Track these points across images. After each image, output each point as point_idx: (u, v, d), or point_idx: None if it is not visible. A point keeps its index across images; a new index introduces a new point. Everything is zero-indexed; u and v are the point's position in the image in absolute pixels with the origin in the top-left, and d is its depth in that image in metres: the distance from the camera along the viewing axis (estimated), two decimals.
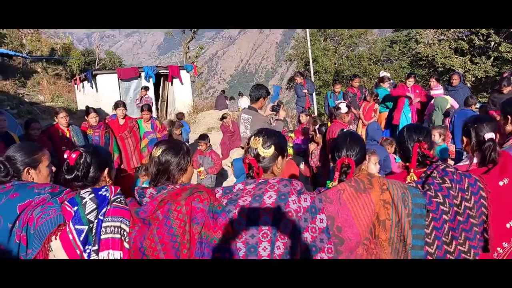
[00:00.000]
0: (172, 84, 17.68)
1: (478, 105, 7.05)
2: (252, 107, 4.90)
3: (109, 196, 1.93)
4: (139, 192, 1.98)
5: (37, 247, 1.83)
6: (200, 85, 31.87)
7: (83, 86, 18.25)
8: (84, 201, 1.89)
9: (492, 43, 18.99)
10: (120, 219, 1.89)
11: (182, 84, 17.68)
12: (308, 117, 9.38)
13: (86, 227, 1.84)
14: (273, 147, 2.04)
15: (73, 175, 1.97)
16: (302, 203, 1.89)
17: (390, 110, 8.53)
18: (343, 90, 9.57)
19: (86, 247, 1.84)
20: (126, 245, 1.88)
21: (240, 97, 17.32)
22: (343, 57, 24.84)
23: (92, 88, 16.74)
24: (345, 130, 4.52)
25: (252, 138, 2.08)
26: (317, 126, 5.46)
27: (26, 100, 18.10)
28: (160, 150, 2.05)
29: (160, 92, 17.95)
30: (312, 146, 5.67)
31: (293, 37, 30.85)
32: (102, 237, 1.85)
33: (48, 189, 1.99)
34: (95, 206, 1.88)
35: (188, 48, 29.06)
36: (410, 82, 8.10)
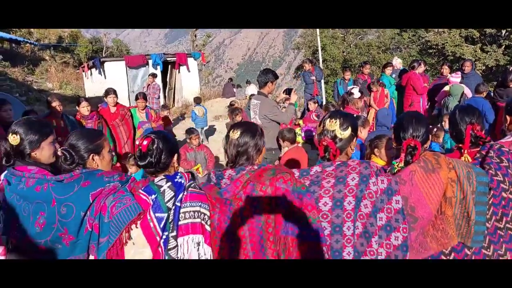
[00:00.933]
0: (179, 72, 17.64)
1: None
2: (261, 92, 4.88)
3: (185, 183, 1.93)
4: (217, 174, 2.06)
5: (115, 235, 1.83)
6: (207, 73, 31.79)
7: (91, 74, 18.27)
8: (162, 189, 1.89)
9: (504, 31, 18.67)
10: (199, 204, 1.90)
11: (189, 72, 17.64)
12: (316, 104, 9.33)
13: (166, 215, 1.85)
14: (350, 128, 2.08)
15: (147, 161, 1.95)
16: (379, 184, 1.96)
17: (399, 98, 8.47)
18: (352, 77, 9.48)
19: (164, 233, 1.85)
20: (208, 228, 1.90)
21: (248, 85, 17.26)
22: (351, 45, 24.58)
23: (100, 75, 16.76)
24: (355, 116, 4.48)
25: (328, 120, 2.09)
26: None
27: (35, 87, 18.19)
28: (238, 133, 2.10)
29: (168, 79, 17.92)
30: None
31: None
32: (180, 223, 1.87)
33: (116, 177, 2.01)
34: (173, 194, 1.88)
35: (195, 36, 28.92)
36: (420, 68, 8.00)
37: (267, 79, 4.79)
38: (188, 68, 17.53)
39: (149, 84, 12.15)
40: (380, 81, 8.33)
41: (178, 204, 1.88)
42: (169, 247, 1.86)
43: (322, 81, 11.19)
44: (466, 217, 2.06)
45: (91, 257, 1.94)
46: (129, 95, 16.63)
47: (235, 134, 2.10)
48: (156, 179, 1.95)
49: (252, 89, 14.91)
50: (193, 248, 1.85)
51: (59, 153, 2.10)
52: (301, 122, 8.93)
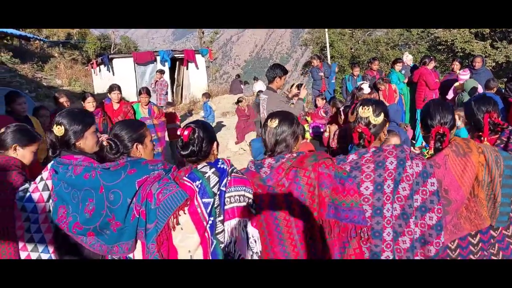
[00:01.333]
0: (187, 69, 17.67)
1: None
2: (270, 87, 4.87)
3: (227, 168, 1.98)
4: (256, 163, 2.14)
5: (163, 221, 1.88)
6: (214, 70, 31.80)
7: (99, 70, 18.38)
8: (207, 175, 1.93)
9: None
10: (243, 188, 1.97)
11: (197, 68, 17.67)
12: (324, 100, 9.28)
13: (212, 200, 1.90)
14: (382, 114, 2.17)
15: (189, 150, 2.00)
16: (414, 168, 2.03)
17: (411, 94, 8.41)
18: (361, 74, 9.43)
19: (209, 218, 1.90)
20: (253, 211, 1.99)
21: (255, 81, 17.22)
22: (359, 41, 24.43)
23: (109, 72, 16.85)
24: None
25: (360, 108, 2.18)
26: (342, 107, 5.39)
27: (44, 84, 18.33)
28: (276, 121, 2.17)
29: (176, 76, 17.96)
30: (332, 128, 5.60)
31: None
32: (226, 207, 1.93)
33: (160, 166, 2.05)
34: (217, 179, 1.93)
35: (203, 33, 28.93)
36: (431, 64, 7.94)
37: (275, 74, 4.78)
38: (196, 65, 17.56)
39: (156, 81, 12.20)
40: (386, 78, 8.27)
41: (223, 189, 1.94)
42: (216, 231, 1.92)
43: (329, 78, 11.14)
44: (492, 199, 2.15)
45: (139, 243, 2.00)
46: (137, 92, 16.69)
47: (273, 123, 2.17)
48: (199, 166, 2.00)
49: (260, 85, 14.89)
50: (241, 230, 1.93)
51: (104, 143, 2.16)
52: (309, 118, 8.91)
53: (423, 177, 2.04)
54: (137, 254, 2.03)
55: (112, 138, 2.17)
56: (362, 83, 4.90)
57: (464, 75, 7.55)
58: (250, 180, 2.03)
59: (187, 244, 1.91)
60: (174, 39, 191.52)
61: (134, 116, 6.47)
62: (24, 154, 2.43)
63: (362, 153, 2.11)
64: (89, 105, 5.81)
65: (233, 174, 2.00)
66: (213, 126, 11.39)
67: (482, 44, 18.81)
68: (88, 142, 2.23)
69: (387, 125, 2.23)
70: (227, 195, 1.94)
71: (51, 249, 2.20)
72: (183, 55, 17.28)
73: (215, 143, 2.11)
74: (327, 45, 15.41)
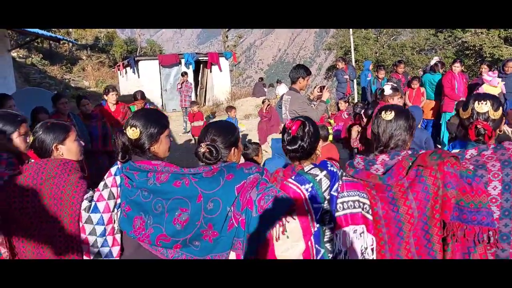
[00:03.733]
0: (211, 71, 17.85)
1: None
2: (293, 88, 4.85)
3: (337, 171, 1.87)
4: (366, 160, 1.99)
5: (267, 229, 1.75)
6: (237, 74, 32.00)
7: (125, 72, 18.75)
8: (318, 178, 1.80)
9: None
10: (357, 193, 1.83)
11: (221, 71, 17.83)
12: (347, 104, 9.24)
13: (322, 205, 1.78)
14: (500, 108, 2.07)
15: (297, 145, 1.88)
16: None
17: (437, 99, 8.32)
18: (386, 77, 9.34)
19: (316, 225, 1.78)
20: (370, 217, 1.84)
21: (278, 84, 17.26)
22: (384, 46, 24.16)
23: (134, 73, 17.17)
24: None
25: (476, 103, 2.08)
26: (362, 110, 5.39)
27: (72, 85, 18.83)
28: (392, 114, 2.03)
29: (199, 79, 18.16)
30: (354, 129, 5.59)
31: None
32: (338, 213, 1.80)
33: (254, 169, 1.90)
34: (329, 183, 1.80)
35: (227, 37, 29.18)
36: (456, 67, 7.80)
37: (298, 74, 4.76)
38: (219, 68, 17.72)
39: (183, 82, 12.37)
40: (420, 79, 8.30)
41: (334, 193, 1.81)
42: (325, 239, 1.80)
43: (355, 80, 11.07)
44: None
45: (232, 255, 1.82)
46: (161, 94, 16.97)
47: (388, 116, 2.03)
48: (306, 168, 1.87)
49: (283, 88, 14.91)
50: (356, 239, 1.78)
51: (203, 149, 1.92)
52: (332, 121, 8.87)
53: None
54: None
55: (211, 144, 1.95)
56: (385, 85, 4.86)
57: (489, 76, 7.38)
58: (364, 180, 1.89)
59: (292, 253, 1.76)
60: (198, 43, 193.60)
61: None
62: (69, 148, 2.19)
63: (482, 150, 1.98)
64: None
65: (344, 177, 1.87)
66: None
67: None
68: (162, 147, 2.04)
69: (503, 121, 2.14)
70: (339, 200, 1.81)
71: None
72: (207, 58, 17.47)
73: (320, 141, 1.98)
74: (352, 49, 15.29)
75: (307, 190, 1.78)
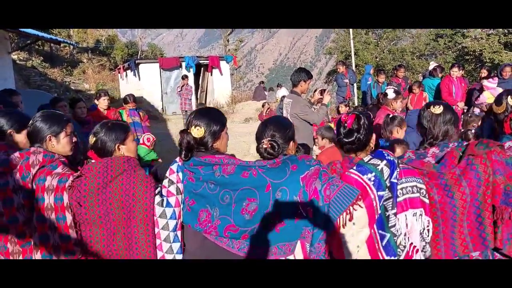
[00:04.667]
0: (211, 75, 17.86)
1: None
2: (294, 91, 4.85)
3: (395, 160, 1.95)
4: (417, 153, 2.13)
5: (334, 218, 1.82)
6: (238, 78, 32.05)
7: (126, 75, 18.76)
8: (379, 167, 1.88)
9: None
10: (414, 179, 1.96)
11: (221, 74, 17.83)
12: (348, 108, 9.23)
13: (385, 192, 1.87)
14: None
15: (354, 137, 1.97)
16: None
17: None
18: (386, 81, 9.35)
19: (379, 211, 1.87)
20: (426, 201, 1.96)
21: (279, 88, 17.26)
22: (385, 50, 24.21)
23: (135, 76, 17.18)
24: (390, 116, 4.40)
25: (509, 98, 2.30)
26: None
27: (72, 87, 18.83)
28: (441, 108, 2.18)
29: (200, 82, 18.18)
30: None
31: (333, 31, 30.35)
32: (399, 199, 1.92)
33: (314, 161, 1.95)
34: (389, 171, 1.89)
35: (228, 41, 29.26)
36: (454, 72, 7.80)
37: (300, 77, 4.76)
38: (220, 71, 17.73)
39: (183, 85, 12.37)
40: (421, 83, 8.29)
41: (394, 181, 1.91)
42: (390, 224, 1.89)
43: (355, 84, 11.08)
44: None
45: (298, 245, 1.85)
46: (162, 97, 16.97)
47: (438, 109, 2.17)
48: (365, 159, 1.95)
49: (283, 92, 14.90)
50: (415, 221, 1.91)
51: (265, 145, 1.98)
52: (332, 124, 8.85)
53: None
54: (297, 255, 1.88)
55: (272, 139, 2.00)
56: (388, 88, 4.84)
57: (491, 83, 7.37)
58: (418, 169, 2.02)
59: (357, 239, 1.86)
60: (199, 46, 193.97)
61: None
62: (129, 148, 2.22)
63: None
64: (104, 102, 5.85)
65: (401, 165, 1.98)
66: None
67: None
68: (223, 142, 2.11)
69: None
70: (399, 186, 1.93)
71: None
72: (207, 61, 17.49)
73: (374, 135, 2.07)
74: (352, 53, 15.32)
75: (369, 179, 1.86)
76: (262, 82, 20.10)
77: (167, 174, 2.07)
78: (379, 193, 1.85)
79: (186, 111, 12.19)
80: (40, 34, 10.36)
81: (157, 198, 2.01)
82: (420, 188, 1.96)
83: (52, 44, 22.41)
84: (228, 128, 2.21)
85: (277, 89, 17.59)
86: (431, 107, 2.20)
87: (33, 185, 2.07)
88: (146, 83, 16.72)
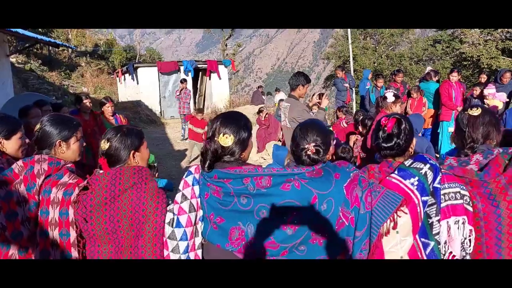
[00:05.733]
0: (210, 79, 17.88)
1: None
2: (292, 95, 4.84)
3: (437, 164, 1.88)
4: (460, 160, 2.00)
5: (378, 226, 1.74)
6: (236, 82, 32.08)
7: (124, 79, 18.77)
8: (423, 171, 1.80)
9: None
10: (457, 185, 1.87)
11: (220, 79, 17.86)
12: (347, 114, 9.23)
13: (428, 198, 1.80)
14: None
15: (393, 142, 1.89)
16: None
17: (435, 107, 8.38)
18: (385, 86, 9.37)
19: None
20: (470, 209, 1.86)
21: (277, 92, 17.28)
22: (382, 56, 24.28)
23: (133, 80, 17.18)
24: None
25: None
26: (360, 118, 5.39)
27: (70, 91, 18.79)
28: (479, 110, 2.06)
29: (198, 86, 18.18)
30: (352, 137, 5.59)
31: (331, 36, 30.47)
32: (441, 205, 1.83)
33: (351, 167, 1.87)
34: (433, 176, 1.81)
35: (226, 45, 29.31)
36: (454, 77, 7.83)
37: (298, 81, 4.75)
38: (218, 75, 17.76)
39: (182, 89, 12.37)
40: (421, 89, 8.33)
41: (438, 186, 1.82)
42: (434, 232, 1.81)
43: (353, 89, 11.11)
44: None
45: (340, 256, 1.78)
46: (160, 100, 16.97)
47: (475, 112, 2.06)
48: (406, 163, 1.87)
49: (281, 96, 14.93)
50: (457, 229, 1.81)
51: (310, 151, 1.85)
52: (330, 129, 8.86)
53: None
54: None
55: (317, 144, 1.87)
56: (387, 92, 4.84)
57: (491, 89, 7.44)
58: (459, 176, 1.92)
59: (401, 249, 1.77)
60: (197, 51, 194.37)
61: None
62: (143, 156, 2.05)
63: None
64: (108, 109, 5.72)
65: (443, 170, 1.89)
66: None
67: (509, 61, 18.45)
68: (248, 151, 1.95)
69: None
70: (442, 192, 1.83)
71: None
72: (206, 65, 17.51)
73: (415, 140, 1.98)
74: (351, 58, 15.35)
75: (412, 184, 1.78)
76: (260, 86, 20.10)
77: (180, 187, 1.88)
78: (423, 198, 1.77)
79: (184, 114, 12.18)
80: (39, 37, 10.36)
81: (169, 216, 1.84)
82: (464, 195, 1.87)
83: (50, 48, 22.44)
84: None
85: (275, 93, 17.62)
86: (469, 109, 2.10)
87: (39, 197, 1.94)
88: (144, 87, 16.73)
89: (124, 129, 2.02)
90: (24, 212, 1.92)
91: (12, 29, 8.13)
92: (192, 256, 1.84)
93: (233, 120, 1.90)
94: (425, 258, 1.79)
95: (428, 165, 1.81)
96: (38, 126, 2.12)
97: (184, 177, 1.91)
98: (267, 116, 10.37)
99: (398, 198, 1.74)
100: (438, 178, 1.83)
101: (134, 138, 2.00)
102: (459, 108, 7.84)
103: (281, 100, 8.96)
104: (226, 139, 1.83)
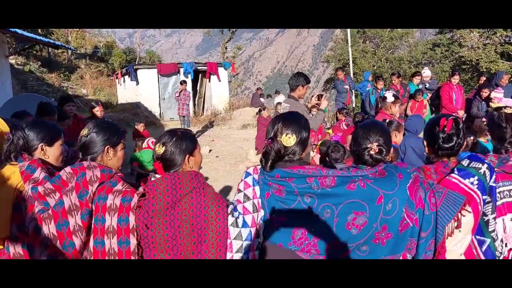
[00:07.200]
0: (209, 81, 17.88)
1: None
2: (292, 96, 4.83)
3: (491, 163, 1.93)
4: (500, 158, 2.06)
5: (443, 226, 1.76)
6: (236, 85, 32.12)
7: (124, 81, 18.76)
8: (481, 171, 1.83)
9: None
10: (510, 183, 1.95)
11: (219, 81, 17.86)
12: (347, 116, 9.24)
13: (486, 197, 1.84)
14: None
15: (454, 142, 1.95)
16: None
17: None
18: (385, 88, 9.40)
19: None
20: None
21: (277, 95, 17.28)
22: (382, 59, 24.33)
23: (133, 82, 17.17)
24: (387, 121, 4.38)
25: None
26: (360, 119, 5.40)
27: (70, 92, 18.79)
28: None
29: (198, 88, 18.18)
30: (349, 138, 5.59)
31: (331, 39, 30.53)
32: (497, 203, 1.89)
33: (411, 167, 1.87)
34: (490, 175, 1.85)
35: (226, 48, 29.35)
36: (455, 79, 7.84)
37: (298, 82, 4.74)
38: (218, 78, 17.76)
39: (181, 91, 12.36)
40: (421, 91, 8.42)
41: (493, 184, 1.87)
42: (490, 229, 1.86)
43: (353, 91, 11.12)
44: None
45: (409, 256, 1.77)
46: (159, 102, 16.96)
47: (509, 109, 2.15)
48: (464, 162, 1.90)
49: (281, 99, 14.93)
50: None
51: (373, 150, 1.86)
52: (330, 131, 8.86)
53: None
54: None
55: (381, 144, 1.88)
56: (386, 92, 4.84)
57: (499, 93, 7.40)
58: (508, 173, 1.98)
59: (461, 247, 1.81)
60: (197, 54, 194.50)
61: None
62: (197, 160, 2.02)
63: None
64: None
65: (495, 169, 1.95)
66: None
67: (508, 64, 18.48)
68: (307, 151, 1.97)
69: None
70: (497, 190, 1.90)
71: None
72: (206, 67, 17.51)
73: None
74: (350, 61, 15.38)
75: (472, 183, 1.81)
76: (259, 88, 20.11)
77: (240, 187, 1.89)
78: (483, 197, 1.81)
79: (183, 116, 12.17)
80: (38, 37, 10.36)
81: (230, 219, 1.84)
82: None
83: (50, 50, 22.45)
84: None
85: (275, 96, 17.61)
86: (502, 109, 2.17)
87: (92, 204, 1.89)
88: (144, 88, 16.72)
89: (179, 133, 1.98)
90: (77, 220, 1.86)
91: (11, 29, 8.13)
92: (250, 256, 1.84)
93: (294, 120, 1.91)
94: (481, 255, 1.84)
95: (485, 165, 1.86)
96: (85, 131, 2.06)
97: (243, 178, 1.92)
98: (268, 116, 10.39)
99: (461, 198, 1.77)
100: (494, 177, 1.87)
101: (188, 142, 1.96)
102: (460, 112, 7.83)
103: (279, 103, 8.96)
104: (289, 139, 1.85)
